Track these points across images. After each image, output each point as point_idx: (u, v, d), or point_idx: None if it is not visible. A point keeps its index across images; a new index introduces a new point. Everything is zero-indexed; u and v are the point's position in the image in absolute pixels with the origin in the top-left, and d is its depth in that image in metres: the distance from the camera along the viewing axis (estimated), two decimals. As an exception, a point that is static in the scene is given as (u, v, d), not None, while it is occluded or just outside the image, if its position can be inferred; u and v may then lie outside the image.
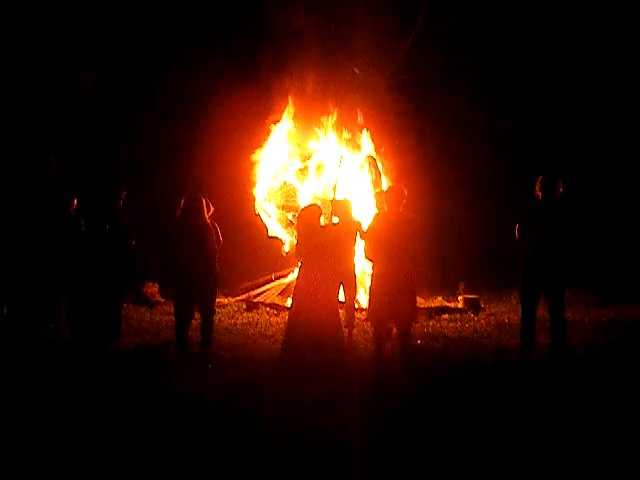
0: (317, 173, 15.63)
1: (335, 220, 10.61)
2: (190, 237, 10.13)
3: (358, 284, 11.48)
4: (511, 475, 5.93)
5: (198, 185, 14.45)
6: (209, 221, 10.31)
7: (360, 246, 10.81)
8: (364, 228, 10.38)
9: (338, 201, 11.09)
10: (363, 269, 12.63)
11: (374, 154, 15.69)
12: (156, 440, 6.59)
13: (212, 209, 10.50)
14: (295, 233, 10.87)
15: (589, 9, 18.24)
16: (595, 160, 18.60)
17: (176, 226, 10.30)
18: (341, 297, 10.66)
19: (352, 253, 10.66)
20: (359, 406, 7.69)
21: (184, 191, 11.35)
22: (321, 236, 9.70)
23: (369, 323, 10.47)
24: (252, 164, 15.68)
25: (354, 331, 11.02)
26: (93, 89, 16.29)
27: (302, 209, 10.49)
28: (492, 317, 13.05)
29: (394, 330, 10.13)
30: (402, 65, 18.26)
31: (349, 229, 10.54)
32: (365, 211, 13.05)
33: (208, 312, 10.45)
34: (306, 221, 9.73)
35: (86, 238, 10.43)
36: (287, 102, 15.87)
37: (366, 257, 10.43)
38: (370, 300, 9.96)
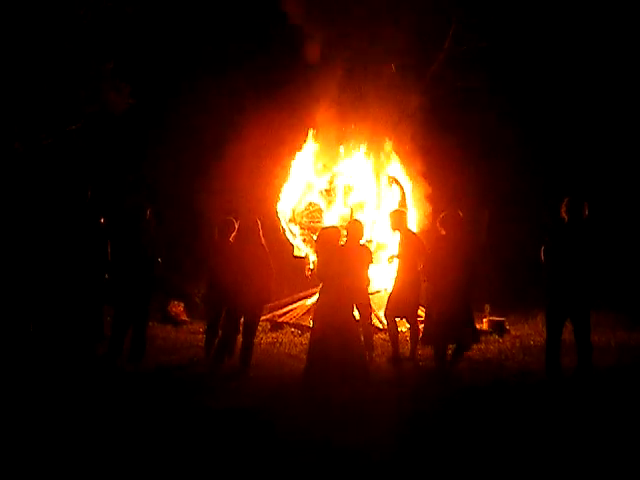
0: (343, 194, 15.70)
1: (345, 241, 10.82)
2: (247, 258, 10.21)
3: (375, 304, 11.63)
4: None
5: (228, 207, 14.53)
6: (264, 242, 10.41)
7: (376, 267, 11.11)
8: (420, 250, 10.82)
9: (350, 222, 11.34)
10: (386, 289, 12.67)
11: (399, 174, 15.79)
12: (181, 455, 6.61)
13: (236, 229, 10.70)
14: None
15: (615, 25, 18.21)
16: (617, 181, 18.51)
17: (232, 248, 10.45)
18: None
19: (365, 274, 10.80)
20: (381, 423, 7.71)
21: (213, 211, 11.43)
22: (340, 257, 9.75)
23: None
24: (278, 184, 15.78)
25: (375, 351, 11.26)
26: (125, 110, 16.32)
27: (320, 231, 10.56)
28: (517, 339, 12.97)
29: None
30: (429, 85, 18.26)
31: (360, 250, 10.73)
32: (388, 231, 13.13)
33: (253, 332, 10.54)
34: (325, 243, 9.79)
35: (113, 256, 10.58)
36: (312, 123, 15.99)
37: (428, 279, 10.73)
38: (433, 319, 10.61)
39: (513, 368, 10.70)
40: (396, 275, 11.38)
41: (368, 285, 11.10)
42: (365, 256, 10.84)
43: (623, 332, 13.63)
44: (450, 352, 10.43)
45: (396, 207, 14.25)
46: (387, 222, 11.72)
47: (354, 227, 11.05)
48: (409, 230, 11.61)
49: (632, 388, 9.55)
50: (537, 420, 8.01)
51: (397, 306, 11.24)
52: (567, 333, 10.10)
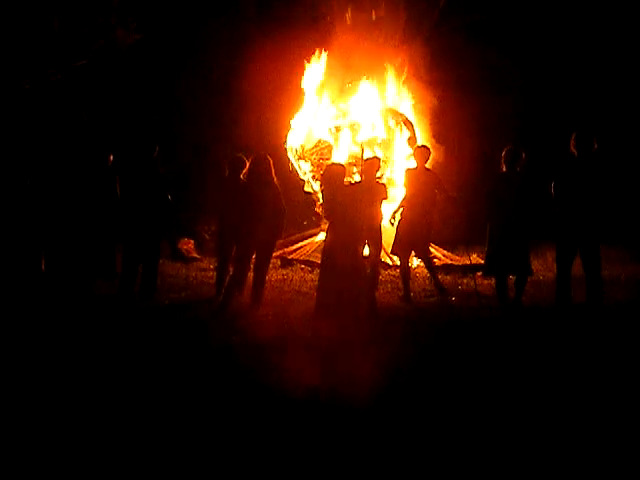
0: (352, 131, 15.59)
1: (359, 178, 10.82)
2: (259, 196, 10.10)
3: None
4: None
5: (237, 144, 14.47)
6: (275, 179, 10.34)
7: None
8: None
9: (365, 160, 11.28)
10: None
11: (407, 113, 15.72)
12: (187, 393, 6.68)
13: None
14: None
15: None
16: (626, 115, 18.35)
17: (243, 185, 10.37)
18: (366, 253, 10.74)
19: (378, 211, 10.74)
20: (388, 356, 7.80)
21: (223, 148, 11.35)
22: (346, 195, 9.66)
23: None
24: (288, 121, 15.70)
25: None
26: (131, 46, 16.16)
27: (325, 169, 10.48)
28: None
29: None
30: (440, 19, 18.00)
31: (375, 186, 10.69)
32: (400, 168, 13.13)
33: (265, 269, 10.50)
34: (329, 181, 9.71)
35: (122, 194, 10.63)
36: (323, 57, 15.86)
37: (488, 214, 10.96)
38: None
39: (525, 303, 10.72)
40: (405, 211, 11.33)
41: (381, 221, 11.05)
42: (379, 192, 10.80)
43: (633, 266, 13.65)
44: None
45: (419, 144, 14.15)
46: (412, 156, 12.00)
47: (371, 163, 11.06)
48: (426, 167, 11.60)
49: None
50: (547, 355, 8.07)
51: (409, 241, 11.25)
52: (577, 268, 10.13)
